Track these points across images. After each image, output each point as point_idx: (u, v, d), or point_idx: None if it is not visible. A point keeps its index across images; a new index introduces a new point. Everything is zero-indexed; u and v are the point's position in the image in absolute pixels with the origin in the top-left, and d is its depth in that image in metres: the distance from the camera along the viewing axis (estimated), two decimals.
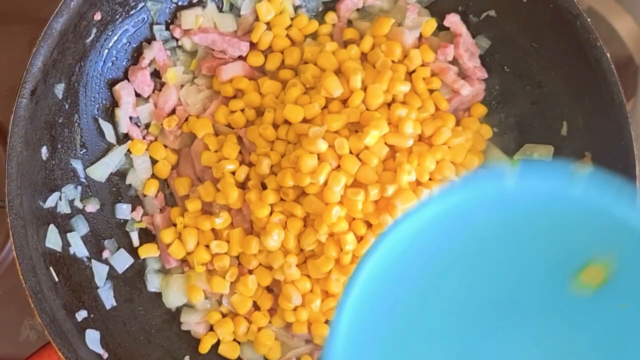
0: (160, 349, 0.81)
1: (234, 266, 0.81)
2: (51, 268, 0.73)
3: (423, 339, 0.31)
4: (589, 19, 0.75)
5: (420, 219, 0.31)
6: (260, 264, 0.80)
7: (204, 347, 0.81)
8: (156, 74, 0.85)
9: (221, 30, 0.85)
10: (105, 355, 0.75)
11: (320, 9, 0.89)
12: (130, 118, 0.84)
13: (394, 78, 0.80)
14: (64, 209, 0.77)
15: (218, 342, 0.82)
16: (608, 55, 0.74)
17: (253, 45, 0.85)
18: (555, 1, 0.76)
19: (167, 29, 0.85)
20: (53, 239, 0.74)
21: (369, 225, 0.77)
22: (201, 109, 0.85)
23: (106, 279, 0.79)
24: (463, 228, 0.31)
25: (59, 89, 0.76)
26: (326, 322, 0.80)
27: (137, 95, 0.84)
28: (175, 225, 0.82)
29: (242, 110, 0.84)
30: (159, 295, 0.83)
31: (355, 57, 0.83)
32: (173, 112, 0.85)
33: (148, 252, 0.83)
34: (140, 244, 0.83)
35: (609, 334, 0.29)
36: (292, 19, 0.87)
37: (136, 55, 0.84)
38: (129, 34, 0.82)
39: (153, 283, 0.83)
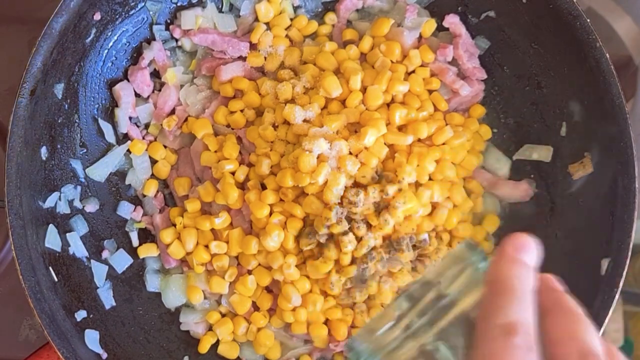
0: (159, 349, 0.81)
1: (233, 266, 0.81)
2: (50, 268, 0.73)
3: None
4: (588, 20, 0.75)
5: None
6: (259, 264, 0.80)
7: (204, 347, 0.81)
8: (156, 74, 0.85)
9: (221, 31, 0.85)
10: (105, 355, 0.74)
11: (319, 10, 0.89)
12: (130, 118, 0.84)
13: (393, 78, 0.80)
14: (64, 209, 0.77)
15: (217, 342, 0.82)
16: (607, 55, 0.74)
17: (253, 46, 0.85)
18: (555, 2, 0.76)
19: (167, 29, 0.85)
20: (52, 239, 0.74)
21: (369, 225, 0.77)
22: (201, 109, 0.85)
23: (105, 279, 0.79)
24: None
25: (59, 89, 0.76)
26: (325, 322, 0.80)
27: (137, 95, 0.84)
28: (174, 225, 0.82)
29: (242, 111, 0.84)
30: (158, 295, 0.83)
31: (355, 57, 0.83)
32: (173, 112, 0.85)
33: (147, 251, 0.82)
34: (140, 245, 0.83)
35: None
36: (291, 20, 0.87)
37: (136, 56, 0.84)
38: (128, 34, 0.82)
39: (152, 283, 0.83)
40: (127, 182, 0.84)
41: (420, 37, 0.85)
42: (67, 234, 0.77)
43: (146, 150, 0.84)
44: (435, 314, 0.43)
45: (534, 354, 0.36)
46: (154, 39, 0.84)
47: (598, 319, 0.71)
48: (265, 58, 0.85)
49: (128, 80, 0.83)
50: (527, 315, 0.38)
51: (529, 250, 0.41)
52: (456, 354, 0.42)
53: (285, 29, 0.86)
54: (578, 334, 0.38)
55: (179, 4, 0.85)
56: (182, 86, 0.86)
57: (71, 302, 0.75)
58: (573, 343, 0.37)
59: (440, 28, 0.86)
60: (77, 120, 0.80)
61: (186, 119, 0.85)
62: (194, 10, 0.84)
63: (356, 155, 0.76)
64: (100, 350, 0.74)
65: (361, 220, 0.76)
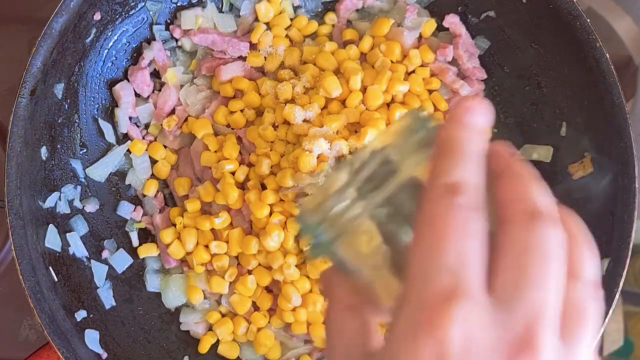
0: (159, 349, 0.81)
1: (233, 266, 0.81)
2: (50, 268, 0.73)
3: None
4: (588, 20, 0.75)
5: None
6: (259, 264, 0.80)
7: (204, 347, 0.81)
8: (156, 74, 0.85)
9: (221, 31, 0.85)
10: (105, 355, 0.75)
11: (319, 10, 0.89)
12: (130, 118, 0.84)
13: (393, 78, 0.80)
14: (64, 209, 0.77)
15: (217, 342, 0.82)
16: (607, 55, 0.74)
17: (253, 46, 0.85)
18: (555, 2, 0.76)
19: (167, 29, 0.85)
20: (52, 239, 0.74)
21: None
22: (201, 109, 0.85)
23: (105, 279, 0.79)
24: None
25: (59, 89, 0.76)
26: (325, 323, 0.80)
27: (137, 95, 0.84)
28: (174, 225, 0.82)
29: (242, 111, 0.84)
30: (158, 295, 0.83)
31: (355, 57, 0.83)
32: (173, 112, 0.85)
33: (147, 251, 0.83)
34: (140, 245, 0.83)
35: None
36: (291, 20, 0.87)
37: (136, 56, 0.84)
38: (128, 34, 0.82)
39: (152, 283, 0.83)
40: (127, 182, 0.84)
41: (420, 37, 0.85)
42: (67, 234, 0.77)
43: (146, 150, 0.84)
44: (383, 180, 0.40)
45: (478, 214, 0.35)
46: (154, 39, 0.84)
47: None
48: (265, 58, 0.85)
49: (128, 80, 0.83)
50: (472, 176, 0.36)
51: (477, 113, 0.40)
52: (408, 220, 0.39)
53: (285, 29, 0.86)
54: (526, 195, 0.37)
55: (179, 4, 0.85)
56: (182, 86, 0.86)
57: (71, 302, 0.75)
58: (520, 203, 0.36)
59: (440, 28, 0.86)
60: (77, 120, 0.80)
61: (186, 119, 0.85)
62: (194, 10, 0.84)
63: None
64: (100, 350, 0.74)
65: None
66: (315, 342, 0.81)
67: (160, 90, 0.85)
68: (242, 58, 0.85)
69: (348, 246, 0.41)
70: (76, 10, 0.73)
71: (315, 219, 0.41)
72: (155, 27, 0.84)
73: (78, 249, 0.78)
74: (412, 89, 0.82)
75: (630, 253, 0.71)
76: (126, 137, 0.84)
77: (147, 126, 0.85)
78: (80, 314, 0.75)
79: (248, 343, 0.82)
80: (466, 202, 0.35)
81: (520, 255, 0.35)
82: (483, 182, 0.37)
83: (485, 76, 0.86)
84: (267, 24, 0.86)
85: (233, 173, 0.81)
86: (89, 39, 0.78)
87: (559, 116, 0.81)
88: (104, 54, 0.81)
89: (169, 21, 0.85)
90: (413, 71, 0.83)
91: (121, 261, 0.81)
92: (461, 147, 0.38)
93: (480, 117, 0.40)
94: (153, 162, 0.85)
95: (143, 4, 0.82)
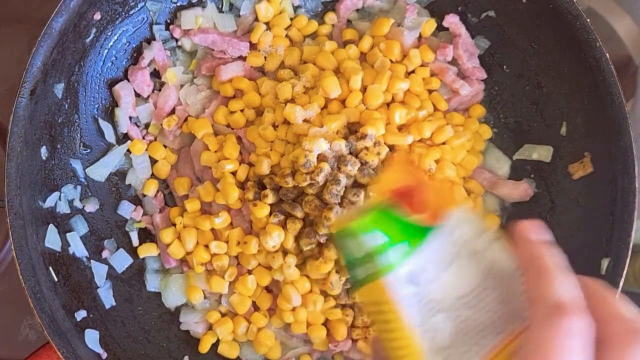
0: (159, 348, 0.81)
1: (233, 266, 0.81)
2: (50, 268, 0.73)
3: None
4: (588, 20, 0.75)
5: None
6: (259, 264, 0.80)
7: (204, 347, 0.81)
8: (156, 74, 0.85)
9: (221, 31, 0.85)
10: (105, 355, 0.74)
11: (319, 9, 0.89)
12: (130, 118, 0.84)
13: (393, 76, 0.80)
14: (64, 208, 0.77)
15: (217, 342, 0.82)
16: (607, 55, 0.74)
17: (253, 46, 0.85)
18: (555, 2, 0.76)
19: (167, 29, 0.85)
20: (52, 239, 0.74)
21: None
22: (201, 109, 0.85)
23: (105, 279, 0.79)
24: None
25: (59, 89, 0.76)
26: (324, 323, 0.80)
27: (137, 95, 0.84)
28: (174, 225, 0.82)
29: (242, 111, 0.84)
30: (158, 295, 0.83)
31: (354, 57, 0.83)
32: (173, 112, 0.85)
33: (147, 251, 0.83)
34: (140, 244, 0.83)
35: None
36: (291, 19, 0.87)
37: (136, 55, 0.84)
38: (128, 33, 0.82)
39: (152, 283, 0.83)
40: (127, 182, 0.84)
41: (420, 36, 0.85)
42: (67, 234, 0.77)
43: (146, 150, 0.84)
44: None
45: (583, 333, 0.38)
46: (154, 39, 0.84)
47: None
48: (265, 58, 0.85)
49: (128, 80, 0.83)
50: (572, 292, 0.39)
51: (542, 231, 0.44)
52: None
53: (285, 29, 0.86)
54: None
55: (179, 4, 0.85)
56: (182, 86, 0.86)
57: (71, 302, 0.75)
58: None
59: (440, 28, 0.86)
60: (77, 120, 0.80)
61: (186, 119, 0.85)
62: (194, 10, 0.84)
63: (356, 155, 0.76)
64: (100, 350, 0.74)
65: None
66: (314, 345, 0.81)
67: (160, 90, 0.85)
68: (242, 58, 0.85)
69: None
70: (76, 10, 0.73)
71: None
72: (155, 27, 0.84)
73: (78, 248, 0.78)
74: (412, 89, 0.82)
75: (630, 253, 0.71)
76: (126, 137, 0.84)
77: (147, 126, 0.85)
78: (80, 314, 0.75)
79: (248, 343, 0.82)
80: (573, 325, 0.38)
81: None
82: (581, 294, 0.39)
83: (485, 76, 0.86)
84: (267, 23, 0.86)
85: (233, 173, 0.81)
86: (89, 38, 0.78)
87: (559, 116, 0.81)
88: (104, 54, 0.81)
89: (169, 21, 0.85)
90: (413, 71, 0.83)
91: (121, 261, 0.81)
92: (551, 265, 0.41)
93: (545, 234, 0.44)
94: (153, 162, 0.85)
95: (143, 3, 0.82)
